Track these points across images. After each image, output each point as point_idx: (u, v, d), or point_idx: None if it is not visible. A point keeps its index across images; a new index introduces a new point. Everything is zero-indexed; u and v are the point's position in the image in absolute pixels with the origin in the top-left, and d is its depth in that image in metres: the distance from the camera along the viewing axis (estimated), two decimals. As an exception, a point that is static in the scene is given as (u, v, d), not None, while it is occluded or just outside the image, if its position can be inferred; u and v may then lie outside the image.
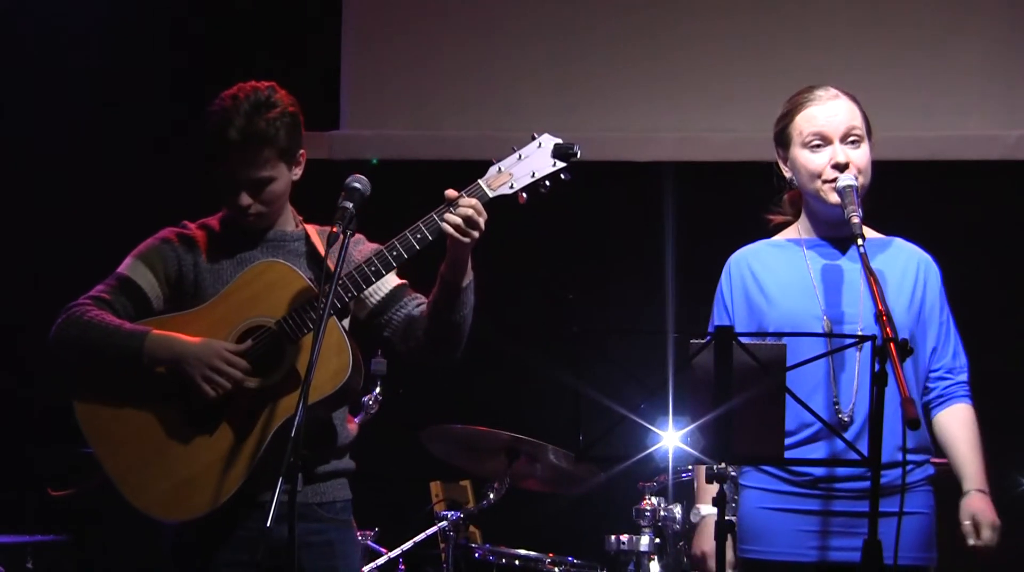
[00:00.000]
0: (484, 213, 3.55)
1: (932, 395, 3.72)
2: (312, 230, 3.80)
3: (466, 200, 3.53)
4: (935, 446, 3.75)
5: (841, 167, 3.65)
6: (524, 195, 3.58)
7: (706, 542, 3.68)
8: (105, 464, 3.61)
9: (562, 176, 3.58)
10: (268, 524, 3.13)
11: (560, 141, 3.59)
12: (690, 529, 4.72)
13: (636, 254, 6.28)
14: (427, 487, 5.57)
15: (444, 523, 4.97)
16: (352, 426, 3.78)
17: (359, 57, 6.57)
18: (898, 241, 3.82)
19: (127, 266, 3.73)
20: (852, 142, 3.69)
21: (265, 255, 3.70)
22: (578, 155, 3.58)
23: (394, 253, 3.57)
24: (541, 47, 6.49)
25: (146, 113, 6.49)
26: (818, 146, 3.70)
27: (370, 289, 3.69)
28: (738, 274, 3.80)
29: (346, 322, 3.73)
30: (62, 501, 3.83)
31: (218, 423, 3.56)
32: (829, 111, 3.70)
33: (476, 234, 3.54)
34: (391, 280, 3.74)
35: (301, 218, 3.83)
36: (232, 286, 3.64)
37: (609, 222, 6.42)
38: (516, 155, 3.60)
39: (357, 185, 3.55)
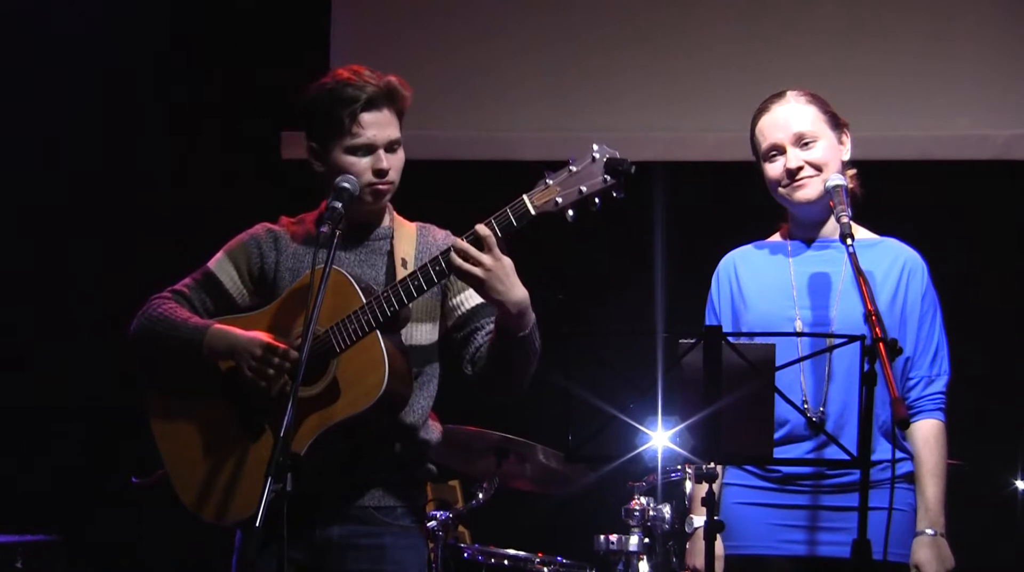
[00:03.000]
0: (484, 249, 3.34)
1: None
2: (402, 225, 3.73)
3: (456, 242, 3.36)
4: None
5: (792, 173, 3.71)
6: (571, 213, 3.34)
7: (700, 556, 3.68)
8: (166, 460, 3.66)
9: (614, 193, 3.33)
10: (257, 524, 3.09)
11: (614, 154, 3.32)
12: (682, 535, 4.73)
13: (626, 254, 6.27)
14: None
15: (433, 523, 4.95)
16: (435, 435, 3.71)
17: (348, 59, 6.55)
18: (887, 241, 3.84)
19: (215, 260, 3.74)
20: (805, 144, 3.72)
21: (349, 254, 3.65)
22: (632, 170, 3.30)
23: (437, 268, 3.43)
24: (534, 48, 6.48)
25: (145, 113, 6.49)
26: (774, 156, 3.77)
27: (455, 301, 3.64)
28: (725, 278, 3.86)
29: (426, 330, 3.65)
30: (145, 489, 3.89)
31: (263, 430, 3.55)
32: (779, 119, 3.76)
33: (480, 273, 3.34)
34: (476, 296, 3.60)
35: (401, 217, 3.77)
36: (289, 291, 3.62)
37: (599, 222, 6.40)
38: (568, 169, 3.34)
39: (346, 185, 3.53)
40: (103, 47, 6.48)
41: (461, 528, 5.54)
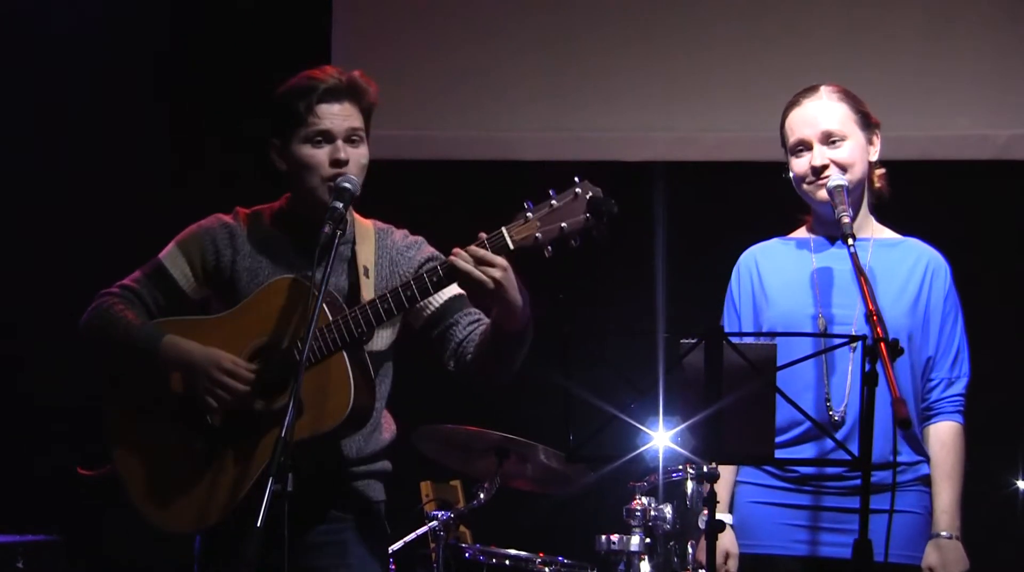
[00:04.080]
0: (494, 264, 3.29)
1: (923, 405, 3.72)
2: (362, 227, 3.66)
3: (462, 256, 3.31)
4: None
5: (817, 171, 3.69)
6: (550, 249, 3.27)
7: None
8: (119, 465, 3.60)
9: (593, 233, 3.24)
10: (259, 524, 3.07)
11: (596, 193, 3.23)
12: (682, 535, 4.74)
13: (627, 254, 6.26)
14: (417, 487, 5.56)
15: (434, 523, 4.96)
16: (386, 435, 3.69)
17: (348, 59, 6.55)
18: (910, 241, 3.85)
19: (165, 253, 3.67)
20: (832, 142, 3.71)
21: (308, 258, 3.47)
22: (615, 211, 3.21)
23: (408, 293, 3.39)
24: (534, 48, 6.47)
25: (145, 113, 6.49)
26: (800, 151, 3.74)
27: (424, 300, 3.51)
28: (746, 272, 3.84)
29: (386, 335, 3.61)
30: (90, 481, 3.86)
31: (224, 442, 3.50)
32: (808, 115, 3.75)
33: (489, 286, 3.29)
34: (447, 290, 3.54)
35: (359, 215, 3.70)
36: (253, 298, 3.54)
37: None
38: (549, 203, 3.25)
39: (347, 185, 3.49)
40: (103, 47, 6.48)
41: (462, 528, 5.54)
